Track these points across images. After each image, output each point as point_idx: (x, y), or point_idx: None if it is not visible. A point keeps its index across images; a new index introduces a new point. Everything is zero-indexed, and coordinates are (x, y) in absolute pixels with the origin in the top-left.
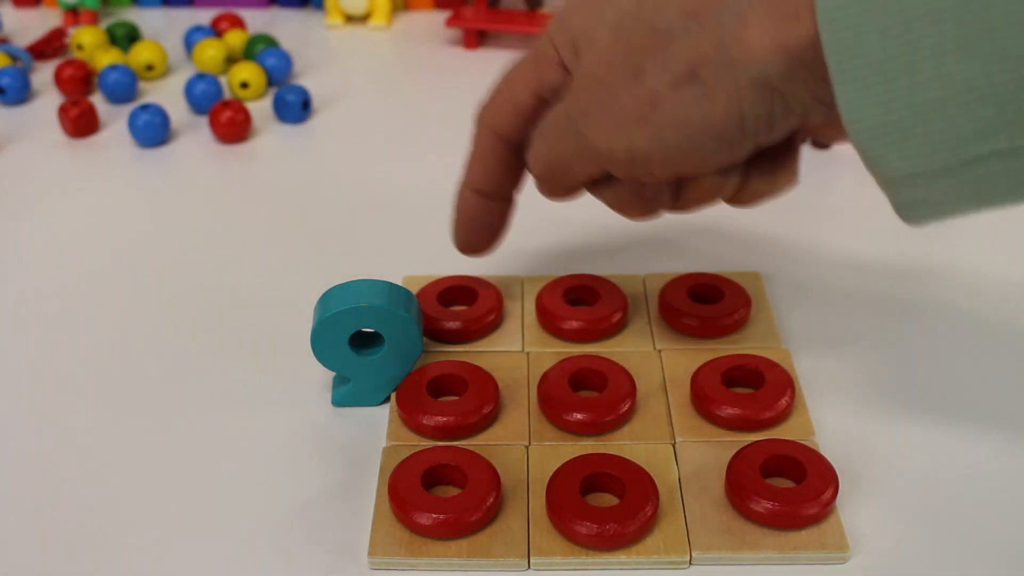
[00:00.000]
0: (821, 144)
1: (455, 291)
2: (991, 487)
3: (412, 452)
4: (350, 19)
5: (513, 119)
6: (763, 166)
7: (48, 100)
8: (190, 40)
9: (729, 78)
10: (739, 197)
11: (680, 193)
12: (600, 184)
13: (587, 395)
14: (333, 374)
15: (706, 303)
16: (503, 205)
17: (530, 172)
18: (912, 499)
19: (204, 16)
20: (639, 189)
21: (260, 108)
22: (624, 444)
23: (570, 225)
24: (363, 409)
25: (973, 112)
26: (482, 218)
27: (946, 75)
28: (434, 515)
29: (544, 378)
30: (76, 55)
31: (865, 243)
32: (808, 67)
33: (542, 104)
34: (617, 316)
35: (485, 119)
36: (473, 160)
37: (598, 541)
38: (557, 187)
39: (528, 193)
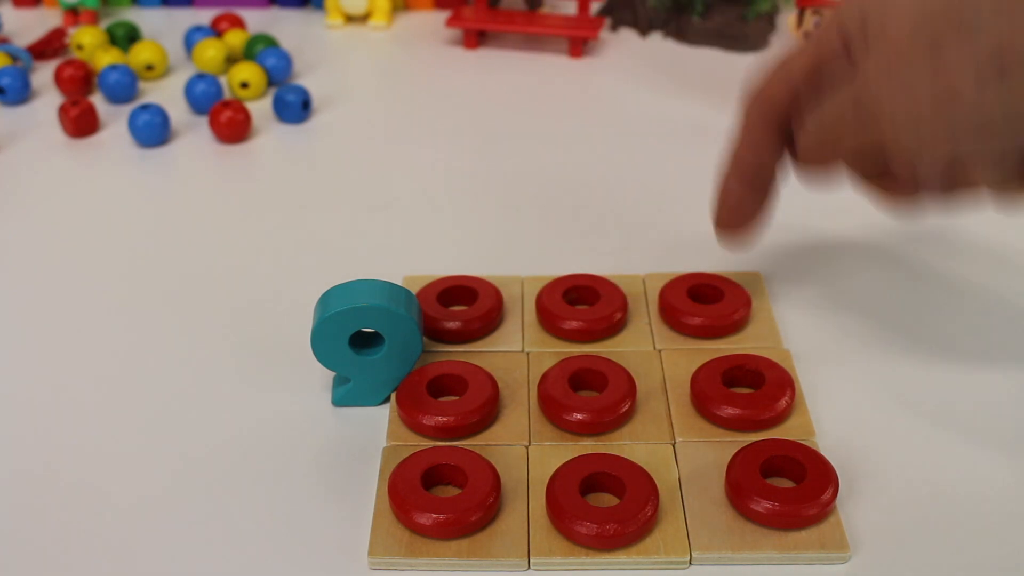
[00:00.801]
0: None
1: (455, 291)
2: (991, 487)
3: (412, 452)
4: (350, 19)
5: (787, 92)
6: None
7: (48, 100)
8: (190, 40)
9: None
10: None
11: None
12: (867, 169)
13: (587, 395)
14: (333, 374)
15: (706, 303)
16: (767, 195)
17: (799, 147)
18: (912, 499)
19: (204, 16)
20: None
21: (260, 108)
22: (624, 444)
23: (570, 225)
24: (363, 409)
25: None
26: (750, 208)
27: None
28: (434, 515)
29: (544, 378)
30: (76, 55)
31: (865, 243)
32: None
33: (817, 89)
34: (617, 316)
35: (757, 98)
36: (741, 147)
37: (598, 541)
38: (823, 163)
39: (528, 193)
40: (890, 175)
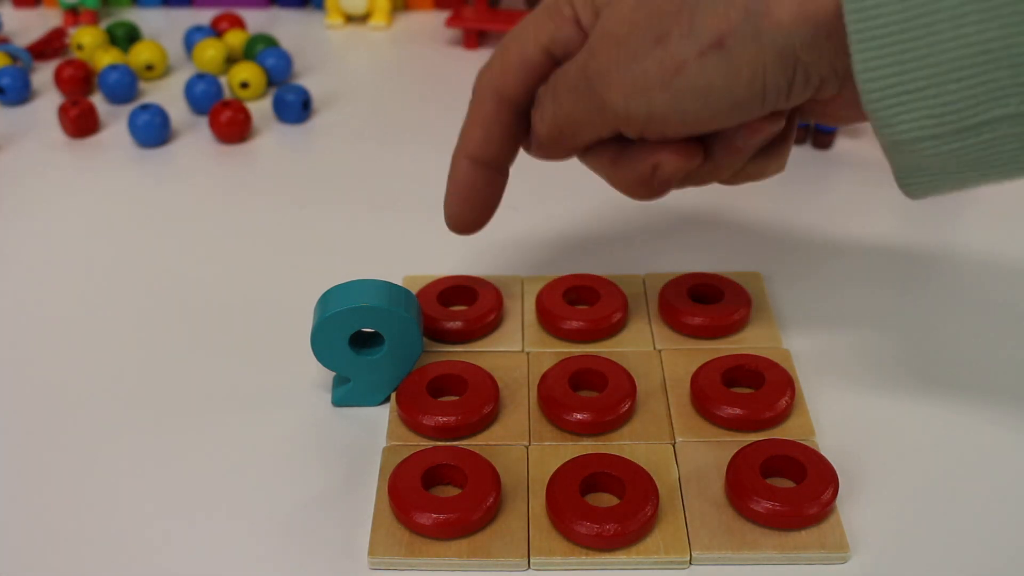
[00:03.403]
0: (822, 144)
1: (455, 291)
2: (991, 487)
3: (412, 452)
4: (350, 19)
5: (520, 78)
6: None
7: (48, 100)
8: (190, 40)
9: (754, 48)
10: (729, 177)
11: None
12: (598, 150)
13: (587, 395)
14: (333, 374)
15: (706, 303)
16: (500, 176)
17: (535, 134)
18: (912, 499)
19: (204, 16)
20: (640, 162)
21: (260, 108)
22: (624, 444)
23: (570, 225)
24: (363, 409)
25: (987, 75)
26: (479, 190)
27: (963, 37)
28: (434, 515)
29: (544, 378)
30: (76, 55)
31: (865, 243)
32: (830, 37)
33: (551, 62)
34: (617, 316)
35: (488, 80)
36: (471, 125)
37: (598, 541)
38: (559, 149)
39: (528, 193)
40: (621, 157)
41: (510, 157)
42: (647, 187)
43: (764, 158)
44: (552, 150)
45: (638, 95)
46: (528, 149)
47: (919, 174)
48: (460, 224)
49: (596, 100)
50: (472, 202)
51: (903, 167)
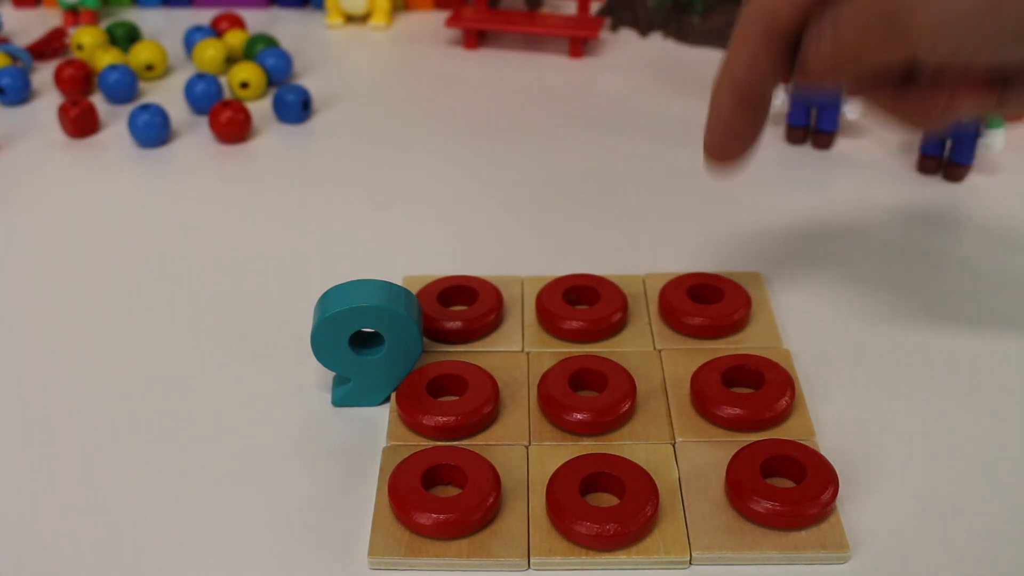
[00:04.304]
0: (822, 144)
1: (455, 291)
2: (991, 487)
3: (412, 452)
4: (350, 19)
5: (793, 5)
6: None
7: (48, 100)
8: (190, 40)
9: None
10: (1010, 107)
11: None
12: (878, 81)
13: (587, 395)
14: (333, 374)
15: (706, 303)
16: (763, 105)
17: (809, 61)
18: (912, 499)
19: (204, 16)
20: (930, 99)
21: (260, 108)
22: (624, 444)
23: (570, 225)
24: (363, 409)
25: None
26: (742, 119)
27: None
28: (434, 515)
29: (544, 378)
30: (76, 55)
31: (865, 244)
32: None
33: None
34: (617, 316)
35: (758, 7)
36: (737, 53)
37: (598, 541)
38: (833, 79)
39: (528, 193)
40: (907, 90)
41: (773, 88)
42: (931, 120)
43: None
44: (826, 79)
45: (954, 23)
46: (794, 77)
47: None
48: (722, 154)
49: (896, 28)
50: (735, 132)
51: None
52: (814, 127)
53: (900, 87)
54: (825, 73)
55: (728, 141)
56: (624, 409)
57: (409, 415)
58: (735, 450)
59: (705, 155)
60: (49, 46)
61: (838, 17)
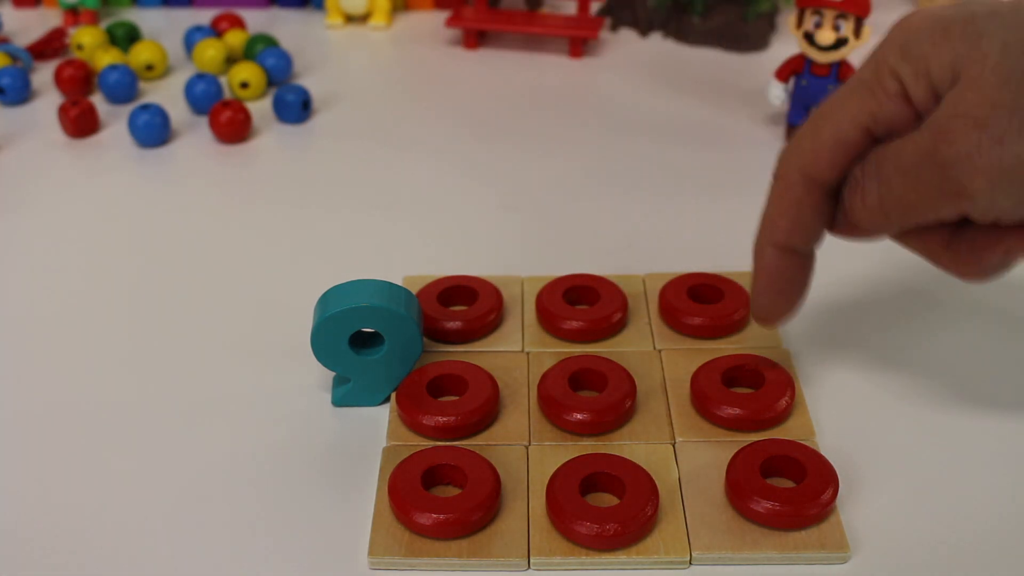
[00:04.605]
0: None
1: (455, 291)
2: (991, 487)
3: (412, 452)
4: (350, 19)
5: (834, 159)
6: None
7: (48, 100)
8: (190, 40)
9: None
10: None
11: None
12: (928, 232)
13: (587, 395)
14: (333, 374)
15: (706, 303)
16: (809, 260)
17: (852, 215)
18: (912, 499)
19: (204, 16)
20: (985, 248)
21: (260, 108)
22: (624, 444)
23: (570, 225)
24: (363, 409)
25: None
26: (789, 277)
27: None
28: (434, 515)
29: (544, 378)
30: (76, 55)
31: (865, 243)
32: None
33: (869, 141)
34: (617, 316)
35: (797, 161)
36: (777, 211)
37: (598, 541)
38: (880, 231)
39: (528, 193)
40: (959, 238)
41: (819, 239)
42: (985, 270)
43: None
44: (871, 232)
45: (1007, 183)
46: (833, 229)
47: None
48: (773, 315)
49: (947, 186)
50: (784, 292)
51: None
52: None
53: (952, 235)
54: (872, 226)
55: (778, 302)
56: (624, 409)
57: (409, 415)
58: (735, 450)
59: (754, 317)
60: (49, 46)
61: (884, 173)
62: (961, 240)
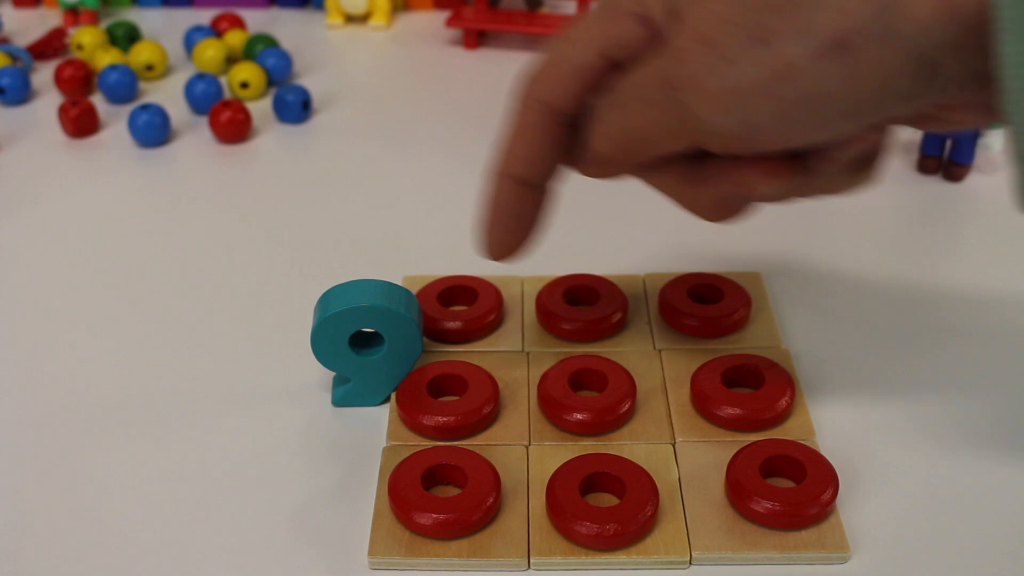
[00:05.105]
0: None
1: (455, 291)
2: (991, 487)
3: (412, 452)
4: (350, 19)
5: (573, 87)
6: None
7: (48, 100)
8: (190, 40)
9: (885, 48)
10: (811, 190)
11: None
12: (666, 167)
13: (587, 395)
14: (333, 374)
15: (706, 303)
16: (544, 196)
17: (592, 149)
18: (912, 499)
19: (204, 16)
20: (722, 181)
21: (260, 108)
22: (624, 444)
23: (570, 225)
24: (363, 409)
25: None
26: (522, 212)
27: None
28: (434, 515)
29: (544, 378)
30: (76, 55)
31: (865, 243)
32: (974, 34)
33: (610, 68)
34: (617, 316)
35: (535, 89)
36: (515, 141)
37: (598, 541)
38: (619, 167)
39: None
40: (696, 176)
41: (556, 174)
42: (727, 208)
43: (856, 170)
44: (611, 168)
45: (736, 105)
46: (576, 166)
47: None
48: (503, 250)
49: (679, 112)
50: (516, 226)
51: None
52: None
53: (690, 169)
54: (611, 159)
55: (508, 236)
56: (624, 409)
57: (409, 415)
58: (735, 450)
59: (483, 251)
60: (49, 46)
61: (622, 101)
62: (699, 174)
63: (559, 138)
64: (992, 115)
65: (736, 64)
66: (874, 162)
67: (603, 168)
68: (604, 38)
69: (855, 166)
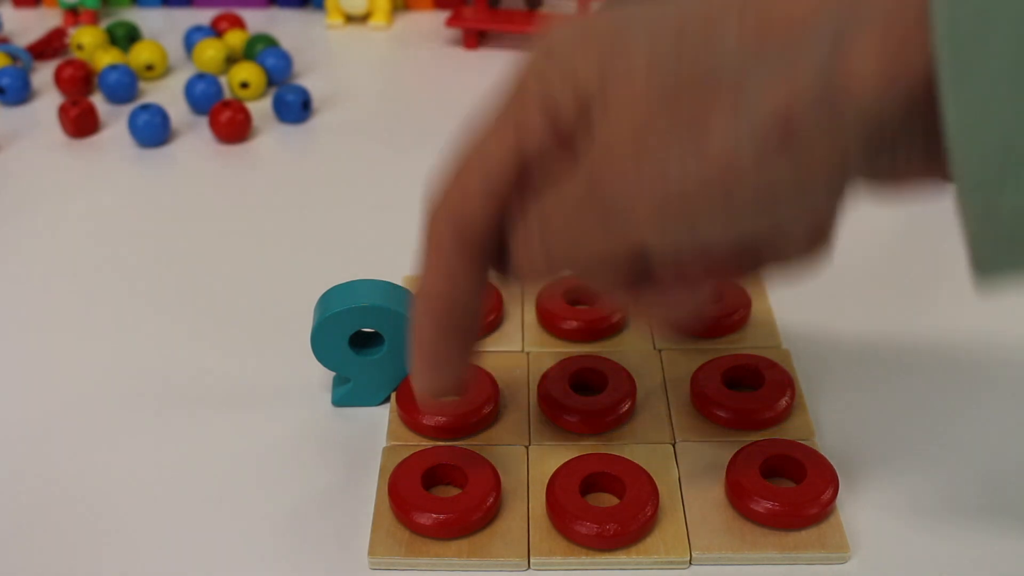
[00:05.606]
0: None
1: None
2: (991, 487)
3: (412, 452)
4: (350, 19)
5: (486, 207)
6: None
7: (48, 100)
8: (190, 40)
9: (832, 126)
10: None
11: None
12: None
13: (587, 395)
14: (333, 374)
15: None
16: (471, 328)
17: (519, 266)
18: (912, 499)
19: (204, 16)
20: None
21: (260, 108)
22: (624, 444)
23: None
24: (363, 409)
25: None
26: (453, 351)
27: None
28: (434, 515)
29: (544, 378)
30: (76, 55)
31: (865, 243)
32: (922, 101)
33: (524, 175)
34: (617, 316)
35: (445, 216)
36: (431, 276)
37: (598, 541)
38: (549, 278)
39: None
40: (646, 282)
41: (482, 295)
42: (681, 308)
43: (812, 241)
44: (540, 279)
45: (677, 215)
46: (505, 276)
47: (1008, 257)
48: (434, 387)
49: (614, 226)
50: (449, 365)
51: (991, 250)
52: None
53: (637, 282)
54: (539, 274)
55: (437, 373)
56: (624, 409)
57: (409, 415)
58: (735, 450)
59: (421, 395)
60: (49, 46)
61: (546, 218)
62: (646, 283)
63: (479, 263)
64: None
65: (669, 164)
66: (829, 233)
67: (534, 280)
68: (513, 151)
69: (810, 239)
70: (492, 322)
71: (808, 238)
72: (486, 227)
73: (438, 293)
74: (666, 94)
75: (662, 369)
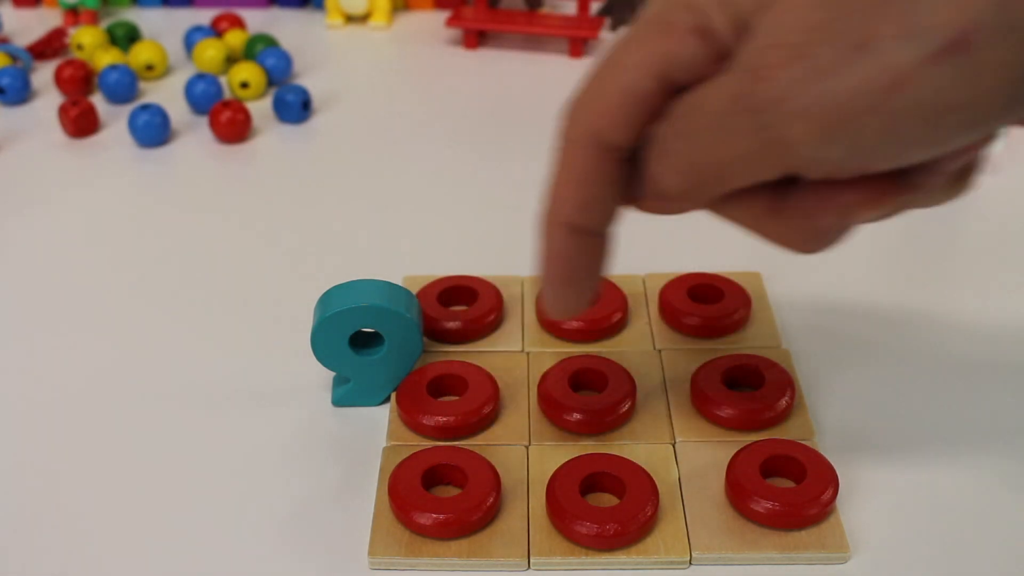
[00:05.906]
0: None
1: (455, 291)
2: (991, 487)
3: (412, 452)
4: (350, 19)
5: (627, 117)
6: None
7: (48, 100)
8: (190, 40)
9: (1009, 46)
10: (911, 206)
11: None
12: (747, 198)
13: (587, 395)
14: (333, 374)
15: (706, 303)
16: (603, 242)
17: (657, 184)
18: (912, 499)
19: (204, 16)
20: (817, 209)
21: (260, 108)
22: (624, 444)
23: None
24: (363, 409)
25: None
26: (582, 264)
27: None
28: (434, 515)
29: (544, 378)
30: (76, 55)
31: (865, 243)
32: None
33: (668, 91)
34: (617, 316)
35: (584, 123)
36: (565, 184)
37: (598, 541)
38: (690, 202)
39: (527, 193)
40: (783, 205)
41: (615, 216)
42: (822, 238)
43: (956, 179)
44: (679, 203)
45: (838, 125)
46: (636, 203)
47: None
48: (566, 308)
49: (764, 139)
50: (576, 281)
51: None
52: None
53: (777, 198)
54: (682, 195)
55: (569, 291)
56: (624, 409)
57: (409, 415)
58: (735, 450)
59: (547, 308)
60: (49, 46)
61: (689, 129)
62: (788, 203)
63: (615, 177)
64: None
65: (833, 77)
66: (974, 168)
67: (669, 204)
68: (660, 59)
69: (956, 175)
70: (492, 322)
71: (953, 161)
72: (625, 135)
73: (572, 201)
74: (831, 1)
75: (662, 369)
